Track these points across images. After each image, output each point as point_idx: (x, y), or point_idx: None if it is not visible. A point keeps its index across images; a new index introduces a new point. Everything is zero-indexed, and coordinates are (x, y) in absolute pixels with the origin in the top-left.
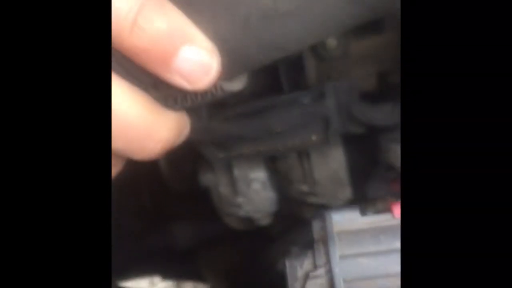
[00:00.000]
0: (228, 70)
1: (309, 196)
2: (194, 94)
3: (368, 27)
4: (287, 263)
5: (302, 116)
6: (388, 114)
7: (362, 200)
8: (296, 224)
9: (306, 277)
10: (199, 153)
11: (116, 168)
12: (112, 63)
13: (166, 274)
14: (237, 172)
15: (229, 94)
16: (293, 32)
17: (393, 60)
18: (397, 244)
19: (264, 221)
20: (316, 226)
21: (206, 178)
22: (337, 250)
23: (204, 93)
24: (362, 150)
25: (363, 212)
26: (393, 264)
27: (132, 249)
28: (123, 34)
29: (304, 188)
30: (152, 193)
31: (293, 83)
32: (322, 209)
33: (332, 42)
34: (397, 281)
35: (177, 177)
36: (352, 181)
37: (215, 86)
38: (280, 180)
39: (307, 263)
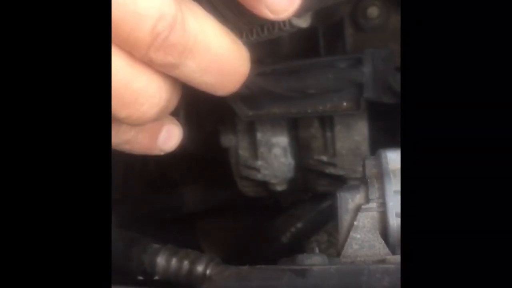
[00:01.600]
0: (302, 4)
1: (328, 166)
2: (268, 27)
3: None
4: (339, 196)
5: (337, 80)
6: None
7: None
8: (304, 200)
9: (358, 209)
10: (221, 113)
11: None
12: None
13: (166, 238)
14: (259, 135)
15: (296, 29)
16: None
17: None
18: None
19: (280, 187)
20: (368, 164)
21: (228, 139)
22: (392, 186)
23: (275, 27)
24: (385, 126)
25: None
26: None
27: (136, 209)
28: None
29: (324, 158)
30: (158, 161)
31: (331, 48)
32: (336, 183)
33: (373, 11)
34: None
35: (196, 138)
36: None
37: (284, 21)
38: (300, 148)
39: (359, 197)
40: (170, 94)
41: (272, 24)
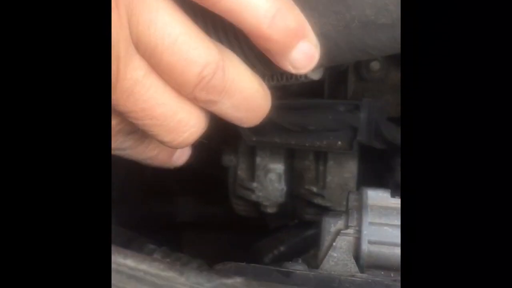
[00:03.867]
0: (319, 62)
1: (316, 197)
2: (287, 76)
3: None
4: (324, 220)
5: (335, 121)
6: None
7: (393, 186)
8: (290, 226)
9: (338, 233)
10: (226, 134)
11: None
12: (237, 50)
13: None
14: (258, 160)
15: (308, 81)
16: (381, 41)
17: None
18: None
19: (270, 209)
20: (351, 197)
21: (229, 159)
22: (368, 217)
23: (293, 77)
24: (372, 168)
25: (393, 195)
26: None
27: (132, 211)
28: (262, 26)
29: (314, 188)
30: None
31: (334, 92)
32: (323, 213)
33: (375, 65)
34: None
35: (198, 154)
36: None
37: None
38: (294, 176)
39: (340, 223)
40: (205, 125)
41: (291, 74)
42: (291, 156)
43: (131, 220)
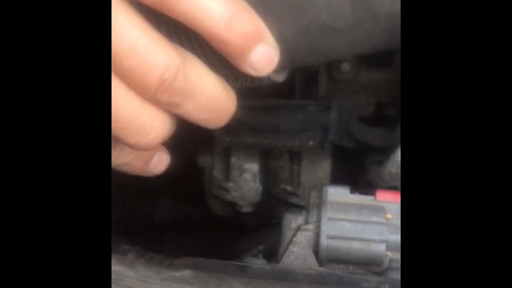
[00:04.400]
0: (280, 64)
1: (291, 196)
2: (251, 78)
3: (378, 61)
4: (285, 216)
5: (306, 121)
6: (379, 137)
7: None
8: (268, 225)
9: (298, 229)
10: (201, 135)
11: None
12: (199, 53)
13: (135, 243)
14: (233, 159)
15: (272, 83)
16: (339, 44)
17: (392, 95)
18: (375, 218)
19: (246, 209)
20: (312, 194)
21: (204, 160)
22: (327, 213)
23: (256, 79)
24: (346, 166)
25: (352, 191)
26: (369, 232)
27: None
28: (219, 29)
29: (289, 188)
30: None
31: (305, 92)
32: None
33: (345, 66)
34: (368, 246)
35: (174, 155)
36: None
37: None
38: (269, 176)
39: (300, 219)
40: (170, 127)
41: (254, 76)
42: (266, 156)
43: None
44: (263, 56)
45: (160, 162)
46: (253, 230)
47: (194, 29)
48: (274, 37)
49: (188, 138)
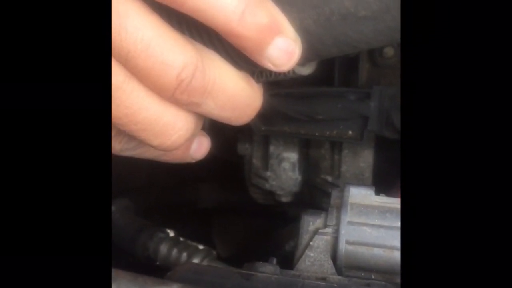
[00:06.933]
0: (304, 57)
1: (331, 186)
2: (275, 72)
3: None
4: (303, 217)
5: (344, 110)
6: None
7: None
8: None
9: (316, 232)
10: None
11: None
12: (220, 49)
13: (180, 229)
14: (272, 148)
15: (298, 76)
16: (364, 33)
17: None
18: (399, 223)
19: (285, 198)
20: (334, 194)
21: (244, 148)
22: (347, 216)
23: (280, 74)
24: (390, 157)
25: (377, 192)
26: (391, 239)
27: (158, 199)
28: (232, 24)
29: (329, 178)
30: None
31: (344, 80)
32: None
33: (389, 50)
34: (391, 253)
35: (216, 142)
36: (374, 183)
37: None
38: (309, 165)
39: (319, 221)
40: (195, 126)
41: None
42: (306, 144)
43: (157, 207)
44: (282, 50)
45: (201, 147)
46: (295, 220)
47: (208, 25)
48: (294, 28)
49: (227, 126)
